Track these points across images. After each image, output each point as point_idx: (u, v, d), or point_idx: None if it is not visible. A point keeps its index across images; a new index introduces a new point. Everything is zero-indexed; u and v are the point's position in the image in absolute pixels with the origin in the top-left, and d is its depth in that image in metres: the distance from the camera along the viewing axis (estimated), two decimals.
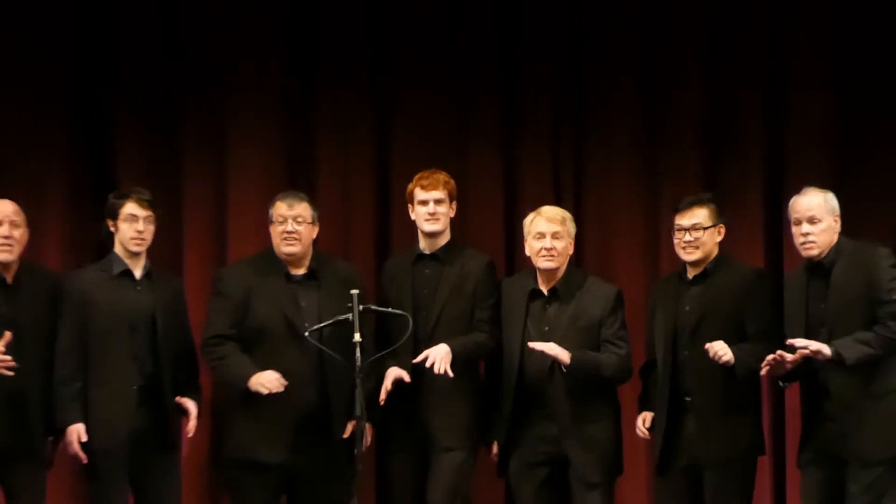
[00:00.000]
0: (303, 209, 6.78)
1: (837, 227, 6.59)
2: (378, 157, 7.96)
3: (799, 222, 6.55)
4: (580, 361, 6.68)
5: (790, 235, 6.96)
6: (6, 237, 6.59)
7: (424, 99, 7.86)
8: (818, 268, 6.49)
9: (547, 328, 6.77)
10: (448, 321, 6.86)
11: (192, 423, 6.74)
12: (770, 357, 6.45)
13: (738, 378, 6.62)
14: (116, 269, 6.71)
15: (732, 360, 6.49)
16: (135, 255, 6.72)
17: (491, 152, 7.95)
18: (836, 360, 6.38)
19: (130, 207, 6.71)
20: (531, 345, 6.62)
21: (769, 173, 7.85)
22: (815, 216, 6.51)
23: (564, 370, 6.64)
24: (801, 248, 6.56)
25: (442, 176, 6.94)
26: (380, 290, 7.02)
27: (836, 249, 6.49)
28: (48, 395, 6.63)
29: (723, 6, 7.91)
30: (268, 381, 6.57)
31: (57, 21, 7.79)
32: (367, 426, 6.59)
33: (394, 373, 6.75)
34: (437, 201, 6.83)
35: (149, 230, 6.74)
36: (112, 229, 6.75)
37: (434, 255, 6.93)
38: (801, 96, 7.86)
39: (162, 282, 6.91)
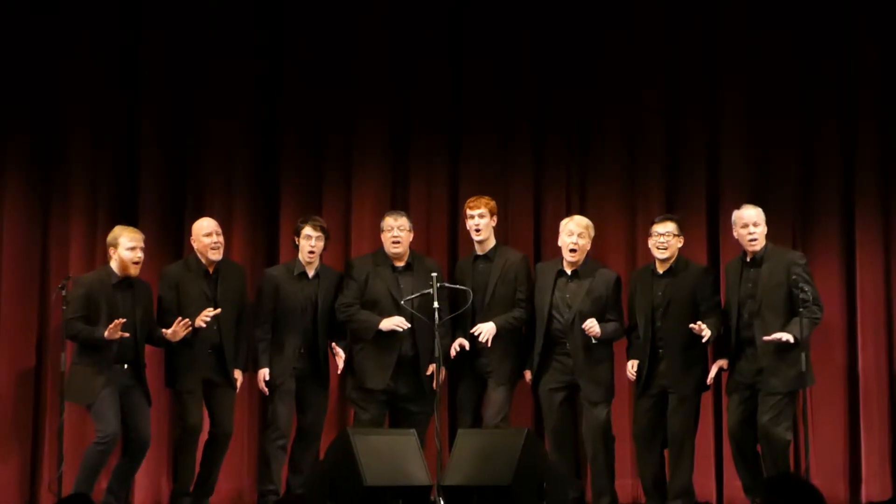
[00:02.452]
0: (403, 222, 8.20)
1: (765, 231, 7.93)
2: (450, 190, 9.36)
3: (746, 226, 7.78)
4: (604, 334, 8.07)
5: (725, 240, 8.54)
6: (217, 241, 8.13)
7: (480, 151, 9.33)
8: (752, 260, 7.83)
9: (568, 296, 8.05)
10: (497, 300, 8.21)
11: (339, 361, 8.17)
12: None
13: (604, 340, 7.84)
14: (297, 271, 8.18)
15: (711, 336, 7.81)
16: (310, 263, 8.14)
17: (525, 184, 9.36)
18: (795, 341, 7.60)
19: (307, 230, 8.14)
20: (587, 327, 7.81)
21: (709, 197, 9.22)
22: (757, 222, 7.81)
23: (595, 340, 7.93)
24: (747, 245, 7.79)
25: (484, 199, 8.27)
26: (452, 280, 8.25)
27: (765, 248, 7.87)
28: (238, 346, 8.14)
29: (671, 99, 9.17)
30: (400, 320, 7.89)
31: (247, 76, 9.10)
32: (443, 368, 7.84)
33: (459, 340, 8.04)
34: (480, 216, 8.21)
35: (319, 245, 8.16)
36: (297, 242, 8.21)
37: (486, 256, 8.31)
38: (729, 132, 9.09)
39: (326, 277, 8.24)
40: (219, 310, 7.86)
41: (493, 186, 8.80)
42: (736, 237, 7.86)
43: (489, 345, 7.87)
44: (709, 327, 7.71)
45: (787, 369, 7.66)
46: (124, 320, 7.51)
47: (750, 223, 7.74)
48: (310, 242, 8.05)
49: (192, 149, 9.15)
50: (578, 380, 7.93)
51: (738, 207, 8.06)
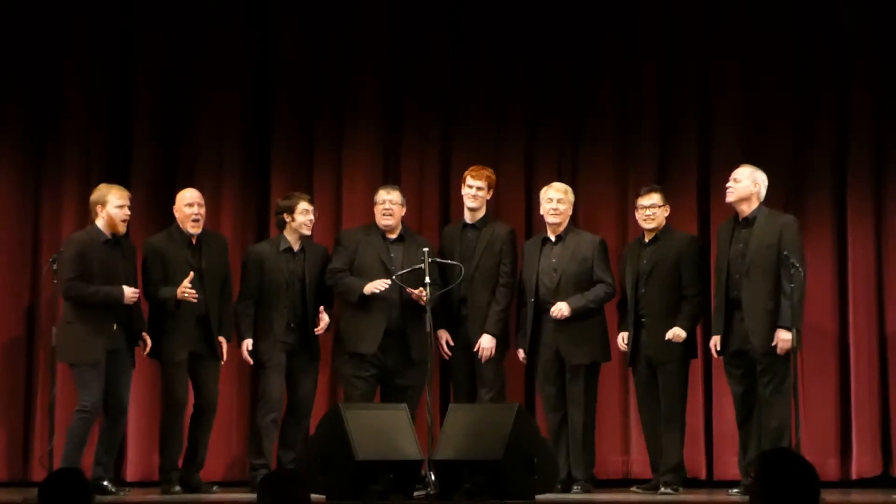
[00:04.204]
0: (396, 195, 8.30)
1: (759, 193, 7.93)
2: (442, 165, 9.36)
3: (728, 180, 7.97)
4: (577, 308, 8.07)
5: (717, 214, 8.63)
6: (198, 213, 8.14)
7: (473, 123, 9.31)
8: (745, 221, 7.87)
9: (554, 260, 8.16)
10: (482, 270, 8.29)
11: (322, 324, 8.21)
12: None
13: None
14: (282, 246, 8.25)
15: (685, 337, 7.95)
16: (302, 236, 8.19)
17: (518, 159, 9.37)
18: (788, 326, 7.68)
19: (304, 205, 8.27)
20: (553, 312, 7.90)
21: (700, 166, 9.18)
22: (737, 177, 7.91)
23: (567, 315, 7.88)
24: (727, 194, 7.91)
25: (487, 171, 8.37)
26: (439, 247, 8.31)
27: (758, 210, 7.88)
28: (223, 316, 8.20)
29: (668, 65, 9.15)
30: (380, 281, 7.96)
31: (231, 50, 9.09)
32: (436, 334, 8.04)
33: (444, 336, 8.20)
34: (479, 188, 8.31)
35: (313, 220, 8.33)
36: (287, 220, 8.23)
37: (474, 225, 8.35)
38: (721, 102, 9.04)
39: (312, 252, 8.36)
40: (191, 274, 7.98)
41: (485, 162, 8.79)
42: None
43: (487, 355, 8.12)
44: (683, 322, 7.88)
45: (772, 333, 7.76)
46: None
47: (730, 178, 7.92)
48: (308, 217, 8.24)
49: (184, 120, 9.22)
50: (560, 345, 8.01)
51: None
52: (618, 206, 9.14)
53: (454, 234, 8.39)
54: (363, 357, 8.12)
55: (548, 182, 8.59)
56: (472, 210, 8.28)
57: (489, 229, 8.27)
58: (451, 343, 8.18)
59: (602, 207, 9.17)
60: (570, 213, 8.15)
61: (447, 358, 8.17)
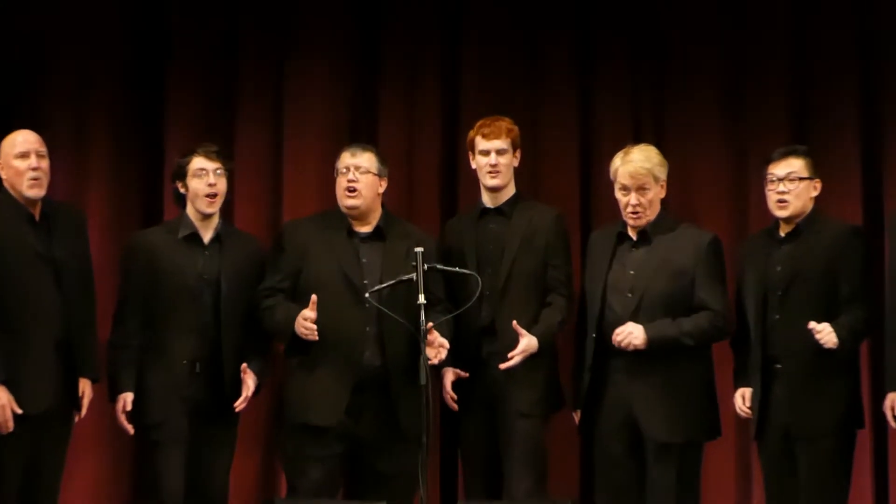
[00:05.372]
0: (366, 159, 6.61)
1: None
2: (444, 115, 7.71)
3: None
4: (659, 339, 6.42)
5: (891, 192, 7.31)
6: (34, 168, 6.45)
7: (494, 42, 7.67)
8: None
9: (633, 272, 6.52)
10: (519, 278, 6.67)
11: (242, 397, 6.64)
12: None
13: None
14: (183, 233, 6.65)
15: (837, 345, 6.40)
16: (206, 216, 6.64)
17: (565, 102, 7.70)
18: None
19: (198, 162, 6.61)
20: (618, 336, 6.42)
21: (865, 122, 7.60)
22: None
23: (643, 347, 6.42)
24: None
25: (504, 123, 6.77)
26: (442, 249, 6.85)
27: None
28: (87, 342, 6.55)
29: None
30: (307, 322, 6.39)
31: None
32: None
33: (451, 375, 6.73)
34: (499, 151, 6.68)
35: (221, 184, 6.66)
36: (182, 190, 6.66)
37: (499, 210, 6.76)
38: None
39: (234, 244, 6.78)
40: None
41: (512, 112, 7.10)
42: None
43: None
44: (839, 329, 6.38)
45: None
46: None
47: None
48: (205, 182, 6.66)
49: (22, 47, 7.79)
50: (635, 406, 6.53)
51: None
52: (732, 185, 7.66)
53: (466, 226, 6.94)
54: (320, 431, 6.66)
55: (616, 140, 7.17)
56: (492, 189, 6.82)
57: (523, 215, 6.83)
58: (464, 375, 6.77)
59: (705, 182, 7.62)
60: (661, 195, 6.62)
61: (455, 409, 6.83)
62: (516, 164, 6.72)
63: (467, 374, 6.70)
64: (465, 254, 6.69)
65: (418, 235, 6.63)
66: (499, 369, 6.56)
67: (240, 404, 6.57)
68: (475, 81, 7.65)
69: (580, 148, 7.66)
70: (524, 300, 6.68)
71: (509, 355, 6.51)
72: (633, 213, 6.50)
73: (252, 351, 6.66)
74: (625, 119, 7.62)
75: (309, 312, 6.35)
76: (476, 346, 6.67)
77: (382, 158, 6.68)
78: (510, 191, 6.74)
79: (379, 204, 6.62)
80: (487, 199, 6.75)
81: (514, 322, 6.50)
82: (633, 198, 6.45)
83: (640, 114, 7.65)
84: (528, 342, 6.50)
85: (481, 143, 6.69)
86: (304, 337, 6.43)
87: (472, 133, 6.78)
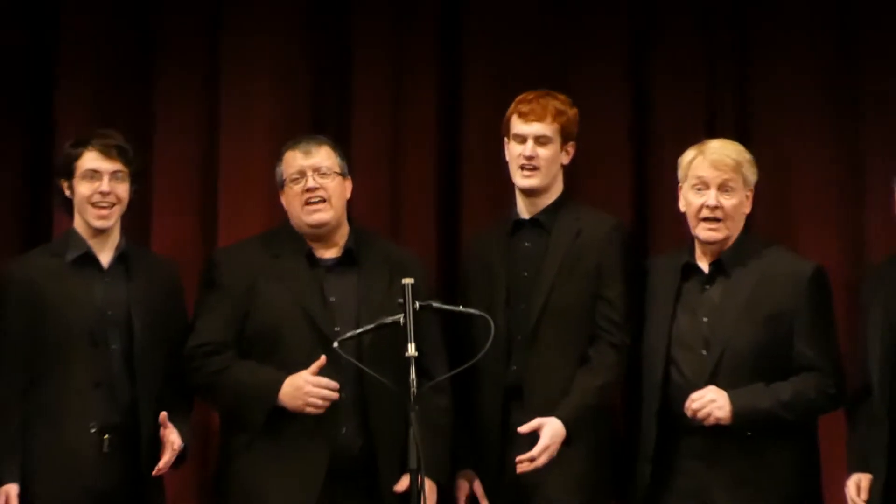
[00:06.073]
0: (325, 156, 5.44)
1: None
2: (441, 89, 6.35)
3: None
4: (750, 412, 5.35)
5: None
6: None
7: (510, 7, 6.39)
8: None
9: (706, 319, 5.42)
10: (556, 315, 5.42)
11: (163, 460, 5.46)
12: None
13: None
14: (72, 254, 5.55)
15: None
16: (100, 231, 5.57)
17: (615, 87, 6.40)
18: None
19: (90, 159, 5.48)
20: (693, 404, 5.43)
21: None
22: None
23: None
24: None
25: (554, 101, 5.48)
26: (463, 276, 5.69)
27: None
28: None
29: None
30: (325, 386, 5.26)
31: None
32: (430, 482, 5.30)
33: (464, 487, 5.62)
34: (540, 139, 5.40)
35: (120, 190, 5.49)
36: (67, 193, 5.56)
37: (536, 221, 5.47)
38: None
39: (145, 269, 5.64)
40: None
41: (536, 78, 5.90)
42: None
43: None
44: None
45: None
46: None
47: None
48: (95, 186, 5.57)
49: None
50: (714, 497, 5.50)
51: None
52: (843, 197, 6.36)
53: (496, 243, 5.69)
54: None
55: (680, 147, 5.73)
56: (527, 192, 5.57)
57: (568, 226, 5.54)
58: (481, 496, 5.56)
59: (806, 199, 6.37)
60: (747, 211, 5.47)
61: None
62: (565, 161, 5.49)
63: (485, 499, 5.59)
64: (491, 283, 5.48)
65: (403, 258, 5.48)
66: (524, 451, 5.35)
67: (160, 469, 5.46)
68: (484, 58, 6.27)
69: (633, 150, 6.31)
70: (561, 349, 5.42)
71: (525, 458, 5.37)
72: (707, 220, 5.38)
73: (175, 412, 5.54)
74: (694, 110, 6.30)
75: (320, 378, 5.31)
76: (500, 416, 5.44)
77: (342, 152, 5.52)
78: (555, 193, 5.48)
79: (345, 217, 5.45)
80: (523, 207, 5.50)
81: (522, 427, 5.38)
82: (711, 197, 5.30)
83: (715, 103, 6.31)
84: (551, 434, 5.30)
85: (517, 125, 5.45)
86: (308, 411, 5.35)
87: (509, 111, 5.54)
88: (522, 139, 5.41)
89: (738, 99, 6.34)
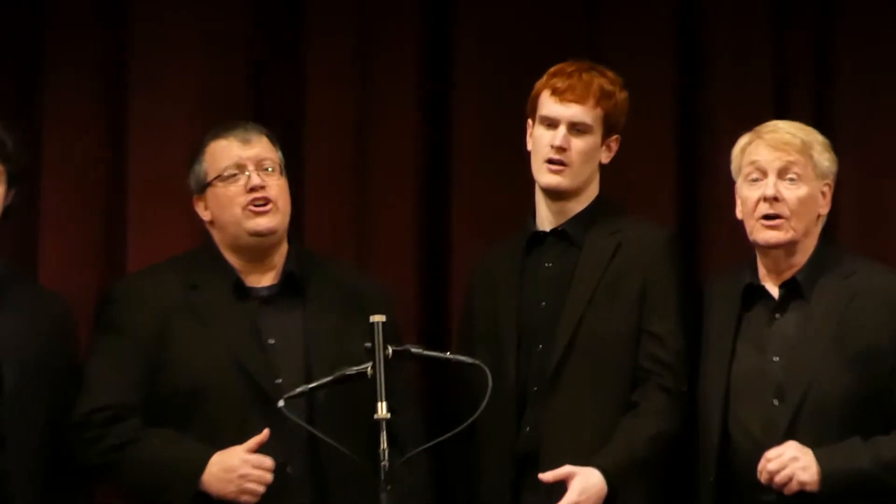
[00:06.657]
0: (267, 148, 4.50)
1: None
2: (423, 58, 5.27)
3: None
4: (844, 475, 4.39)
5: None
6: None
7: None
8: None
9: (777, 358, 4.53)
10: (586, 356, 4.46)
11: None
12: None
13: None
14: None
15: None
16: None
17: (658, 68, 5.32)
18: None
19: None
20: (770, 465, 4.51)
21: None
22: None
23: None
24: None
25: (601, 80, 4.47)
26: (467, 305, 4.71)
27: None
28: None
29: None
30: (253, 472, 4.31)
31: None
32: None
33: None
34: (576, 127, 4.40)
35: None
36: None
37: (562, 233, 4.48)
38: None
39: (21, 303, 4.73)
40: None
41: (547, 62, 4.68)
42: None
43: None
44: None
45: None
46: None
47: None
48: None
49: None
50: None
51: None
52: None
53: (509, 263, 4.59)
54: None
55: (741, 119, 4.77)
56: (552, 193, 4.44)
57: (604, 238, 4.46)
58: None
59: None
60: (821, 209, 4.33)
61: None
62: (605, 159, 4.51)
63: None
64: (498, 316, 4.52)
65: (360, 286, 4.54)
66: None
67: None
68: (480, 17, 5.13)
69: (679, 142, 5.25)
70: (592, 401, 4.44)
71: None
72: (765, 217, 4.41)
73: (65, 489, 4.53)
74: (758, 96, 5.23)
75: (262, 457, 4.35)
76: (510, 495, 4.44)
77: (279, 147, 4.58)
78: (585, 200, 4.52)
79: (284, 230, 4.52)
80: (545, 215, 4.52)
81: (545, 474, 4.39)
82: (769, 186, 4.35)
83: (786, 90, 5.24)
84: (582, 488, 4.29)
85: (548, 105, 4.45)
86: (242, 500, 4.34)
87: (539, 84, 4.52)
88: (553, 123, 4.40)
89: (814, 83, 5.29)
